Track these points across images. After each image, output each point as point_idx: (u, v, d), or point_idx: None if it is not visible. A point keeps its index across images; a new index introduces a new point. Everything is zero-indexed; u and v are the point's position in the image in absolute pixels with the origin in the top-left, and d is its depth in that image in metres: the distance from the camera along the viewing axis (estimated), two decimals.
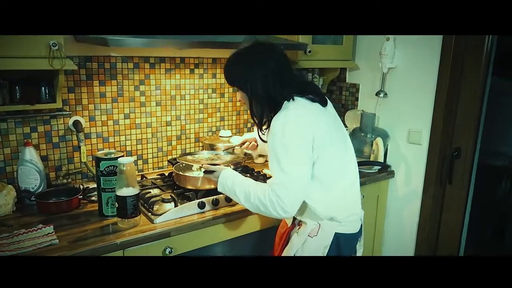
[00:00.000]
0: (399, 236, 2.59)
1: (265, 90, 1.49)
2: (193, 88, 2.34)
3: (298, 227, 1.68)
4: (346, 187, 1.61)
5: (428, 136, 2.38)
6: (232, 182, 1.61)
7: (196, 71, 2.32)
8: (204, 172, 1.76)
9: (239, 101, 1.64)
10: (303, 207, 1.58)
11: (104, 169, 1.66)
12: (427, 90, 2.34)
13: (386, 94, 2.49)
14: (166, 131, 2.29)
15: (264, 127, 1.61)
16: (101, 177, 1.67)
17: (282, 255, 1.69)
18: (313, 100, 1.53)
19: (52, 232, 1.53)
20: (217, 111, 2.47)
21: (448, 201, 2.43)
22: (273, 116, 1.49)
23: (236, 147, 2.11)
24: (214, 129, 2.48)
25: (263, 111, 1.54)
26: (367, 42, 2.58)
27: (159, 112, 2.24)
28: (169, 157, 2.32)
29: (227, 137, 2.33)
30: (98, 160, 1.66)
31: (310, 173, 1.51)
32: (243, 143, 2.06)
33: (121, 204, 1.60)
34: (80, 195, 1.81)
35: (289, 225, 1.74)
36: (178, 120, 2.32)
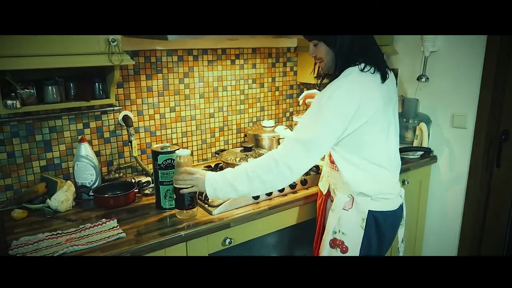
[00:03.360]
0: (443, 222, 2.60)
1: (349, 48, 1.47)
2: (234, 79, 2.36)
3: (331, 202, 1.69)
4: (381, 166, 1.59)
5: (473, 119, 2.37)
6: (222, 177, 1.52)
7: (237, 61, 2.35)
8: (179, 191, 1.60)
9: (313, 55, 1.59)
10: (335, 176, 1.62)
11: (162, 162, 1.69)
12: (472, 72, 2.33)
13: (428, 78, 2.48)
14: (210, 123, 2.33)
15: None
16: (159, 171, 1.70)
17: (323, 238, 1.70)
18: (374, 72, 1.51)
19: (117, 226, 1.58)
20: (257, 102, 2.49)
21: (496, 185, 2.43)
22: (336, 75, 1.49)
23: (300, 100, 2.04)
24: (254, 119, 2.51)
25: (337, 68, 1.51)
26: None
27: (202, 105, 2.27)
28: (213, 149, 2.36)
29: (270, 127, 2.34)
30: (155, 154, 1.70)
31: (332, 144, 1.51)
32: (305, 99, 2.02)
33: (179, 196, 1.63)
34: (135, 189, 1.85)
35: (324, 192, 1.76)
36: (221, 112, 2.36)
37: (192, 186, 1.56)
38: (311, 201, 1.94)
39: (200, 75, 2.23)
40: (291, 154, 1.45)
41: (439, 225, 2.62)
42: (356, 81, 1.46)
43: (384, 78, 1.52)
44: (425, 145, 2.44)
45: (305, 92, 1.99)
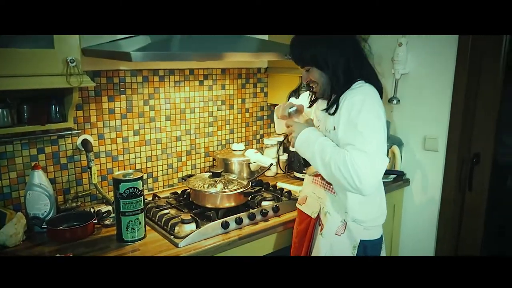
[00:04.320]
0: (417, 246, 2.56)
1: (345, 69, 1.45)
2: (202, 101, 2.27)
3: (320, 227, 1.62)
4: (379, 190, 1.61)
5: (445, 142, 2.36)
6: (312, 140, 1.49)
7: (206, 82, 2.27)
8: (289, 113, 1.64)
9: (307, 81, 1.55)
10: (332, 198, 1.57)
11: (124, 191, 1.58)
12: (442, 94, 2.32)
13: (399, 100, 2.46)
14: (176, 146, 2.22)
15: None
16: (121, 200, 1.58)
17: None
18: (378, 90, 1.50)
19: None
20: (227, 124, 2.41)
21: (469, 209, 2.41)
22: (340, 94, 1.46)
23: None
24: (223, 142, 2.42)
25: (334, 90, 1.48)
26: (377, 48, 2.55)
27: (168, 127, 2.17)
28: (180, 174, 2.25)
29: (240, 150, 2.27)
30: (117, 182, 1.58)
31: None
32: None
33: None
34: (94, 220, 1.72)
35: (313, 216, 1.66)
36: (188, 135, 2.26)
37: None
38: (284, 229, 1.86)
39: (166, 96, 2.13)
40: (356, 167, 1.35)
41: (413, 250, 2.58)
42: (373, 95, 1.45)
43: (381, 94, 1.51)
44: (397, 168, 2.40)
45: (287, 103, 1.77)
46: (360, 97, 1.42)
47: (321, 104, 1.58)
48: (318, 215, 1.65)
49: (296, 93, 2.44)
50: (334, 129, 1.47)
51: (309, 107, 1.71)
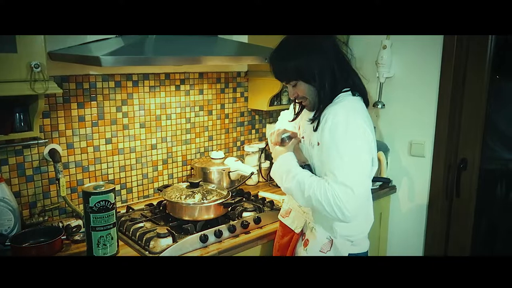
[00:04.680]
0: (404, 254, 2.55)
1: (331, 78, 1.43)
2: (179, 106, 2.23)
3: (304, 242, 1.59)
4: (369, 200, 1.60)
5: (431, 147, 2.37)
6: (287, 170, 1.50)
7: (182, 87, 2.22)
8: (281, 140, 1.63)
9: (295, 96, 1.52)
10: (320, 214, 1.51)
11: (94, 204, 1.52)
12: (428, 98, 2.33)
13: (384, 105, 2.46)
14: (152, 155, 2.17)
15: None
16: (91, 214, 1.53)
17: None
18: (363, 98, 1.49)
19: None
20: (205, 130, 2.37)
21: (457, 215, 2.41)
22: (324, 108, 1.44)
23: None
24: (202, 150, 2.38)
25: (322, 103, 1.46)
26: (361, 51, 2.55)
27: (143, 135, 2.12)
28: (156, 184, 2.20)
29: (220, 158, 2.22)
30: (87, 195, 1.52)
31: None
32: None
33: None
34: (63, 236, 1.66)
35: (297, 231, 1.63)
36: (164, 143, 2.21)
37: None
38: (266, 242, 1.82)
39: (140, 102, 2.08)
40: (339, 201, 1.34)
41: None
42: (357, 108, 1.44)
43: (367, 103, 1.50)
44: (383, 175, 2.39)
45: (280, 130, 1.70)
46: (343, 117, 1.39)
47: (306, 114, 1.56)
48: (303, 230, 1.62)
49: (277, 97, 2.42)
50: (318, 144, 1.45)
51: (293, 119, 1.68)
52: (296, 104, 1.64)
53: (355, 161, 1.37)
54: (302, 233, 1.62)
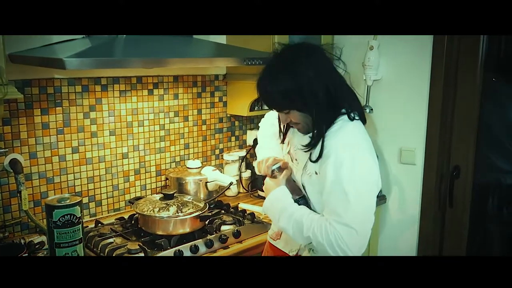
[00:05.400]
0: None
1: (328, 100, 1.39)
2: (152, 112, 2.23)
3: None
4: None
5: (422, 154, 2.39)
6: (280, 208, 1.48)
7: (156, 91, 2.23)
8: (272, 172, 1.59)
9: (286, 122, 1.51)
10: None
11: (59, 219, 1.51)
12: (418, 102, 2.36)
13: (371, 109, 2.49)
14: (123, 165, 2.17)
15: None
16: (55, 230, 1.52)
17: None
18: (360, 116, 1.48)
19: None
20: (181, 138, 2.38)
21: (450, 226, 2.44)
22: (320, 135, 1.42)
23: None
24: (178, 159, 2.38)
25: (317, 129, 1.42)
26: (347, 52, 2.55)
27: (113, 143, 2.12)
28: (128, 196, 2.20)
29: (196, 168, 2.23)
30: (50, 208, 1.51)
31: None
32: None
33: None
34: (25, 253, 1.64)
35: (291, 254, 1.62)
36: (136, 151, 2.21)
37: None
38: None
39: (110, 108, 2.09)
40: (342, 242, 1.33)
41: None
42: (360, 138, 1.43)
43: (364, 122, 1.50)
44: None
45: (270, 159, 1.65)
46: (348, 153, 1.37)
47: (299, 137, 1.53)
48: (298, 253, 1.59)
49: (258, 102, 2.43)
50: (317, 174, 1.45)
51: (282, 141, 1.66)
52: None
53: (361, 201, 1.36)
54: (297, 255, 1.60)
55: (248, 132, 2.61)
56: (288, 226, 1.44)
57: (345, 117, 1.44)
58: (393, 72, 2.43)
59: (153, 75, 2.20)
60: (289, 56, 1.42)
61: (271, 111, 1.79)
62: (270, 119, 1.79)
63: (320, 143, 1.42)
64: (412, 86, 2.38)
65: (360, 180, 1.37)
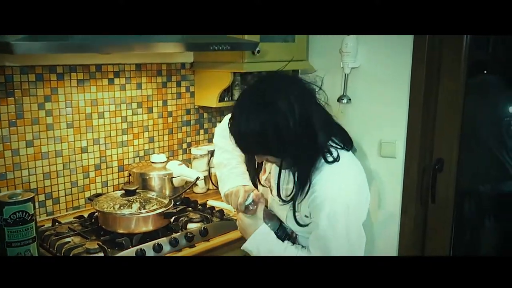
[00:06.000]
0: None
1: (307, 142, 1.40)
2: (113, 103, 2.29)
3: None
4: None
5: (403, 147, 2.47)
6: (267, 251, 1.58)
7: (116, 81, 2.28)
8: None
9: (264, 160, 1.56)
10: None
11: (10, 216, 1.57)
12: (399, 92, 2.43)
13: (349, 99, 2.56)
14: (82, 160, 2.22)
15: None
16: (6, 228, 1.57)
17: None
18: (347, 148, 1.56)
19: None
20: (145, 131, 2.44)
21: (433, 223, 2.54)
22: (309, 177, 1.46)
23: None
24: (142, 153, 2.44)
25: (298, 171, 1.48)
26: (323, 38, 2.65)
27: (71, 136, 2.17)
28: (88, 193, 2.25)
29: (161, 163, 2.29)
30: (0, 205, 1.56)
31: None
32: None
33: None
34: None
35: None
36: (96, 145, 2.27)
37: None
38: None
39: (67, 98, 2.13)
40: None
41: None
42: (351, 178, 1.52)
43: (351, 147, 1.60)
44: None
45: (240, 192, 1.67)
46: (341, 202, 1.45)
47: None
48: None
49: (228, 92, 2.49)
50: (307, 216, 1.53)
51: (264, 175, 1.72)
52: None
53: (358, 238, 1.50)
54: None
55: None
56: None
57: (331, 154, 1.47)
58: (372, 59, 2.49)
59: (114, 63, 2.25)
60: (264, 91, 1.41)
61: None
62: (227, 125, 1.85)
63: (307, 187, 1.47)
64: (392, 74, 2.44)
65: (356, 224, 1.49)
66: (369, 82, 2.52)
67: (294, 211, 1.54)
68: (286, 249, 1.54)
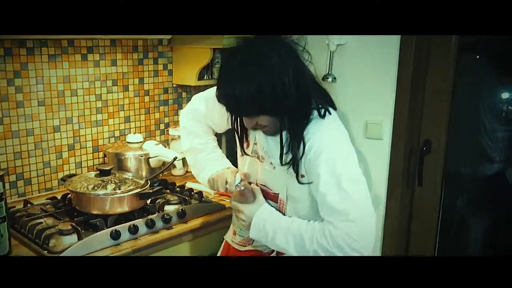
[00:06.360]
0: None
1: (299, 100, 1.46)
2: (86, 80, 2.32)
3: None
4: None
5: (390, 128, 2.50)
6: (273, 228, 1.57)
7: (90, 57, 2.31)
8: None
9: (253, 126, 1.55)
10: None
11: None
12: (386, 70, 2.45)
13: (334, 78, 2.59)
14: (54, 139, 2.26)
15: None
16: None
17: None
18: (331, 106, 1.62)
19: None
20: (120, 110, 2.47)
21: (419, 207, 2.60)
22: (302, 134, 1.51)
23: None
24: (117, 133, 2.48)
25: (291, 129, 1.52)
26: None
27: (42, 115, 2.20)
28: (61, 174, 2.28)
29: (137, 143, 2.33)
30: None
31: None
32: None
33: None
34: None
35: (265, 251, 1.74)
36: (69, 124, 2.30)
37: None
38: (192, 239, 1.97)
39: (38, 74, 2.16)
40: (351, 241, 1.43)
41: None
42: (342, 133, 1.60)
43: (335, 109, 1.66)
44: None
45: (227, 175, 1.72)
46: (337, 148, 1.53)
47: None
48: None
49: (208, 70, 2.53)
50: (303, 176, 1.55)
51: (241, 146, 1.74)
52: None
53: (360, 192, 1.51)
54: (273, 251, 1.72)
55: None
56: (288, 245, 1.53)
57: (316, 113, 1.54)
58: (358, 36, 2.53)
59: (87, 38, 2.27)
60: (252, 50, 1.45)
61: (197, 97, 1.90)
62: (197, 106, 1.87)
63: (302, 144, 1.51)
64: (379, 52, 2.46)
65: (355, 172, 1.52)
66: (355, 60, 2.54)
67: (298, 172, 1.55)
68: (293, 222, 1.55)
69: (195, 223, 2.01)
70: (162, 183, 2.29)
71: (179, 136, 2.52)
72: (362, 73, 2.55)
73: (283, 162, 1.56)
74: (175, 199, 2.13)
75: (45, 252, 1.70)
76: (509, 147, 2.59)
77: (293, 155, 1.53)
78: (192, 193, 2.21)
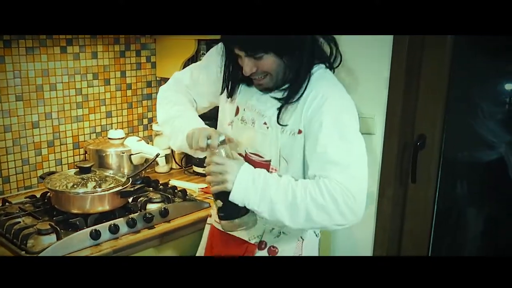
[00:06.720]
0: (352, 250, 2.77)
1: (312, 47, 1.51)
2: (66, 74, 2.35)
3: (270, 253, 1.72)
4: None
5: (383, 123, 2.54)
6: (262, 183, 1.47)
7: (70, 49, 2.34)
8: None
9: (254, 71, 1.52)
10: None
11: None
12: (378, 63, 2.49)
13: None
14: (33, 135, 2.30)
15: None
16: None
17: None
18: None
19: None
20: (102, 105, 2.51)
21: (412, 205, 2.64)
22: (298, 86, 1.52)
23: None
24: (98, 129, 2.52)
25: (294, 82, 1.53)
26: None
27: (20, 110, 2.24)
28: (40, 172, 2.32)
29: (119, 139, 2.38)
30: None
31: None
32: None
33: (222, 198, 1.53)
34: None
35: (254, 241, 1.73)
36: (49, 120, 2.33)
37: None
38: (174, 239, 2.01)
39: (15, 68, 2.19)
40: (349, 196, 1.41)
41: (346, 254, 2.76)
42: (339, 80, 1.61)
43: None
44: None
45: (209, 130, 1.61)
46: (346, 98, 1.57)
47: (258, 96, 1.63)
48: (262, 239, 1.72)
49: (193, 62, 2.55)
50: (300, 132, 1.54)
51: (230, 97, 1.71)
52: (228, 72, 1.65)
53: (360, 147, 1.53)
54: (261, 242, 1.73)
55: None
56: (278, 200, 1.43)
57: (322, 66, 1.59)
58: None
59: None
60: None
61: (180, 72, 1.90)
62: (180, 76, 1.89)
63: (302, 89, 1.52)
64: (371, 44, 2.49)
65: (357, 128, 1.55)
66: (347, 52, 2.54)
67: (295, 128, 1.55)
68: (281, 178, 1.48)
69: (178, 222, 2.05)
70: (145, 180, 2.34)
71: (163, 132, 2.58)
72: (353, 65, 2.56)
73: (279, 120, 1.56)
74: (158, 197, 2.17)
75: (23, 252, 1.74)
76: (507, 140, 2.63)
77: (289, 92, 1.54)
78: (176, 191, 2.25)
